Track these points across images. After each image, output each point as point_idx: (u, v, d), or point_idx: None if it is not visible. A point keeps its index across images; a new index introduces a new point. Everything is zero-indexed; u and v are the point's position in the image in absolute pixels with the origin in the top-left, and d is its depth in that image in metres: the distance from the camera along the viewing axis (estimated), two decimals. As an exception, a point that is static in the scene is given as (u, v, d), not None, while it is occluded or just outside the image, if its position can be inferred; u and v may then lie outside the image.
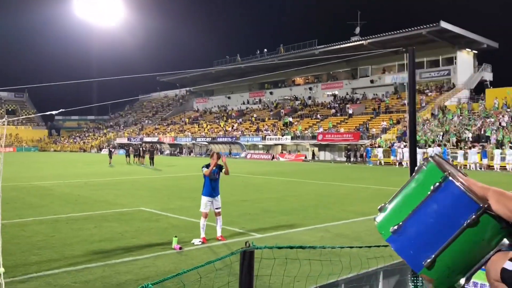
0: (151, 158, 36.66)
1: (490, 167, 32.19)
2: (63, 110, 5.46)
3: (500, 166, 31.40)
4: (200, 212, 9.44)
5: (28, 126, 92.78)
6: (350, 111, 52.40)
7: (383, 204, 1.53)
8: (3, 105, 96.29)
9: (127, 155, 42.67)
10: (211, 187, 9.43)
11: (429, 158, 1.52)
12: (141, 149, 42.22)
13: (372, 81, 57.50)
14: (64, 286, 6.46)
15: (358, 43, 53.70)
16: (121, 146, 72.18)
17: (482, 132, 36.83)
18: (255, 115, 64.72)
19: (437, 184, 1.39)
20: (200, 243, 9.06)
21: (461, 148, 34.41)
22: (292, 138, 50.73)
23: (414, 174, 1.54)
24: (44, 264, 7.48)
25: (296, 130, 52.29)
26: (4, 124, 6.15)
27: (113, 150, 46.62)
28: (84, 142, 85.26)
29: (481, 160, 32.37)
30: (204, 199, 9.41)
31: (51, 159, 50.27)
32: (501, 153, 31.80)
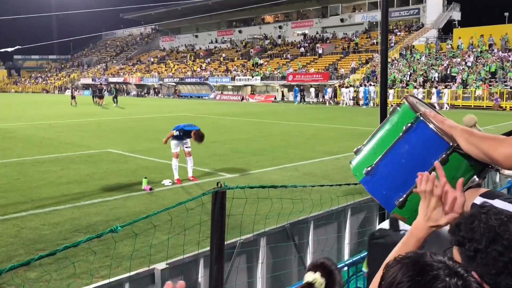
0: (115, 97, 38.22)
1: (455, 106, 33.04)
2: (20, 47, 5.14)
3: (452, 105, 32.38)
4: (171, 153, 9.37)
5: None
6: (320, 51, 52.02)
7: (359, 147, 1.53)
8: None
9: (94, 96, 41.58)
10: (180, 137, 9.25)
11: (404, 99, 1.52)
12: (97, 89, 41.46)
13: (342, 20, 56.79)
14: (32, 228, 6.40)
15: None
16: (86, 86, 70.05)
17: (449, 72, 37.42)
18: (224, 55, 63.47)
19: (409, 124, 1.39)
20: (171, 183, 9.07)
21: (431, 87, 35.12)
22: (261, 79, 50.31)
23: (388, 116, 1.53)
24: (11, 207, 7.36)
25: (266, 70, 51.78)
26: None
27: (76, 90, 45.14)
28: (46, 83, 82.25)
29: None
30: (174, 142, 9.30)
31: (12, 100, 48.49)
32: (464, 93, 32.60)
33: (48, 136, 16.62)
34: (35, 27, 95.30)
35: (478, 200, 1.35)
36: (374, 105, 34.42)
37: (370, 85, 37.12)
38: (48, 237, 6.03)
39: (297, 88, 43.07)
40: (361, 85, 38.62)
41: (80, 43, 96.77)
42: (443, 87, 34.32)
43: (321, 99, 43.07)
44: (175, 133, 9.14)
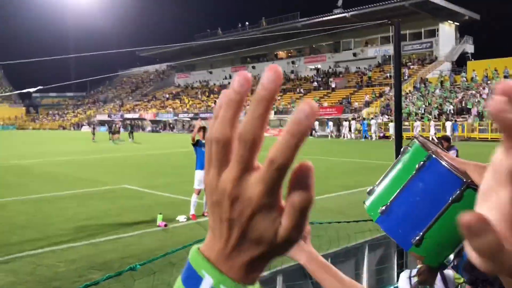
0: (131, 133, 39.91)
1: (471, 138, 32.71)
2: (41, 87, 5.29)
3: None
4: (193, 189, 9.25)
5: (5, 104, 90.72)
6: (333, 85, 52.41)
7: (371, 187, 1.55)
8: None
9: (110, 132, 42.47)
10: (204, 159, 9.33)
11: (414, 139, 1.54)
12: (114, 125, 43.11)
13: (355, 54, 57.40)
14: (49, 265, 6.39)
15: (341, 15, 53.34)
16: (102, 123, 71.22)
17: (464, 105, 37.28)
18: (237, 90, 64.19)
19: (422, 162, 1.40)
20: (186, 219, 9.03)
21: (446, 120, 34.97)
22: (275, 113, 50.67)
23: (399, 156, 1.55)
24: (27, 244, 7.38)
25: (279, 105, 52.19)
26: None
27: (95, 127, 46.47)
28: (63, 120, 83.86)
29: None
30: (199, 174, 9.21)
31: (30, 137, 49.42)
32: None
33: (65, 172, 16.81)
34: (54, 65, 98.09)
35: None
36: (376, 138, 35.03)
37: (372, 119, 38.18)
38: (64, 275, 6.01)
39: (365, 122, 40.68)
40: (372, 118, 38.73)
41: (97, 80, 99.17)
42: (455, 120, 34.10)
43: (335, 133, 43.10)
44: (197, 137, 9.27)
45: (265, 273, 3.77)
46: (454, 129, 32.72)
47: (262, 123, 0.43)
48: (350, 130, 39.03)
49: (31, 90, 5.20)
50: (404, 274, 3.40)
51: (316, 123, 43.02)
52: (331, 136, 40.74)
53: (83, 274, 6.04)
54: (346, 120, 39.55)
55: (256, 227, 0.41)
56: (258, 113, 0.43)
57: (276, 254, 0.42)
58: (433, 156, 1.35)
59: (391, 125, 34.48)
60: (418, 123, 34.57)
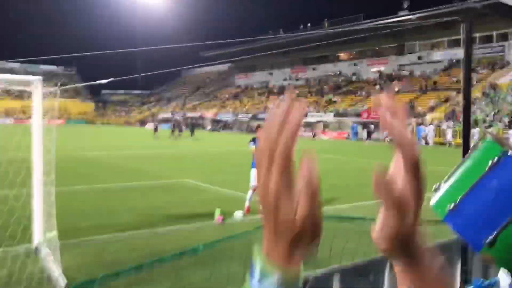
0: (192, 131, 42.35)
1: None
2: (113, 79, 5.57)
3: None
4: (250, 186, 9.47)
5: (76, 99, 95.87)
6: (396, 89, 51.00)
7: (438, 184, 1.48)
8: (54, 79, 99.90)
9: (173, 130, 43.91)
10: None
11: (487, 135, 1.46)
12: (176, 123, 45.58)
13: (419, 58, 55.52)
14: (112, 251, 6.71)
15: (406, 17, 51.77)
16: (164, 120, 73.52)
17: (537, 112, 35.04)
18: (297, 91, 64.18)
19: (496, 158, 1.32)
20: (242, 215, 9.15)
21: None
22: (334, 115, 50.04)
23: (470, 151, 1.48)
24: (94, 230, 7.78)
25: (340, 107, 51.51)
26: (57, 95, 6.35)
27: (157, 124, 48.15)
28: (129, 116, 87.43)
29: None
30: (254, 172, 9.39)
31: (98, 131, 51.97)
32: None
33: (130, 165, 17.54)
34: (123, 64, 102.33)
35: None
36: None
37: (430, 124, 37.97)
38: (125, 261, 6.27)
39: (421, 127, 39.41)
40: (438, 125, 37.36)
41: (162, 80, 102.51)
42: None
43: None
44: (251, 144, 9.47)
45: (322, 270, 3.74)
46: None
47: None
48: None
49: (103, 81, 5.49)
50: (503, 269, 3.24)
51: (372, 126, 42.10)
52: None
53: (143, 261, 6.27)
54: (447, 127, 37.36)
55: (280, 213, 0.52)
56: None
57: (307, 239, 0.52)
58: (509, 152, 1.29)
59: (449, 131, 33.19)
60: (476, 129, 32.83)
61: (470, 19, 4.94)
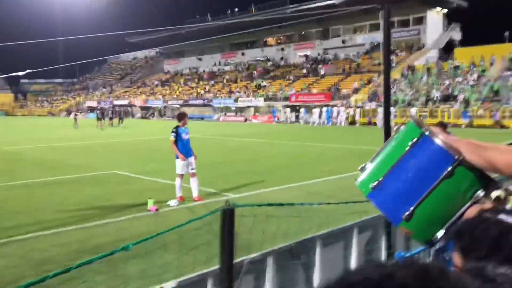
0: (121, 119, 41.44)
1: (457, 125, 33.09)
2: (30, 71, 5.28)
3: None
4: (176, 175, 9.46)
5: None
6: (322, 72, 52.45)
7: (363, 164, 1.59)
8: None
9: (99, 118, 42.33)
10: (185, 148, 9.45)
11: (408, 118, 1.58)
12: (103, 112, 44.34)
13: (343, 41, 57.40)
14: (41, 249, 6.44)
15: (329, 2, 53.13)
16: (91, 109, 70.64)
17: (451, 91, 37.60)
18: (227, 77, 64.05)
19: (415, 139, 1.44)
20: (177, 204, 9.12)
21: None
22: (265, 100, 50.64)
23: (393, 134, 1.60)
24: (19, 229, 7.41)
25: (269, 91, 52.16)
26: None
27: (77, 113, 46.44)
28: (52, 106, 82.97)
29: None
30: (181, 161, 9.40)
31: (19, 124, 48.89)
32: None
33: (55, 158, 16.75)
34: (42, 51, 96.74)
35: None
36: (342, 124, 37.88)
37: (337, 106, 41.21)
38: (56, 258, 6.07)
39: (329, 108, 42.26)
40: (358, 107, 39.21)
41: (86, 67, 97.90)
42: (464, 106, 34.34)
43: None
44: (173, 136, 9.35)
45: (255, 254, 3.86)
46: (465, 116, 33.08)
47: None
48: (320, 116, 41.34)
49: (20, 73, 5.17)
50: None
51: (303, 109, 43.25)
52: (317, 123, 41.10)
53: (74, 257, 6.09)
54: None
55: None
56: None
57: None
58: (426, 133, 1.42)
59: (392, 110, 34.86)
60: (413, 109, 34.91)
61: (387, 6, 5.20)
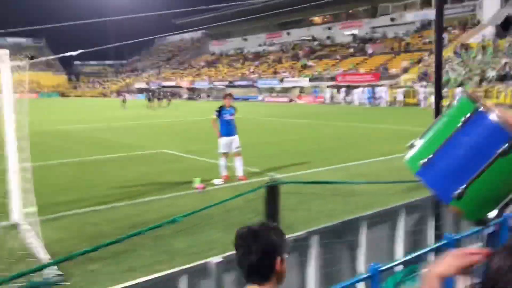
0: (169, 100, 43.46)
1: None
2: (82, 51, 5.45)
3: None
4: (218, 154, 9.59)
5: (48, 72, 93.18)
6: (370, 51, 51.10)
7: (412, 141, 1.52)
8: (22, 51, 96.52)
9: (149, 99, 43.52)
10: (226, 127, 9.54)
11: (462, 93, 1.50)
12: (152, 93, 46.18)
13: (392, 19, 55.50)
14: (93, 223, 6.74)
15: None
16: (140, 90, 72.48)
17: (508, 70, 35.71)
18: (272, 57, 63.69)
19: (468, 115, 1.37)
20: (222, 182, 9.24)
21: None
22: (310, 80, 50.04)
23: (445, 109, 1.52)
24: (73, 204, 7.77)
25: (315, 72, 51.48)
26: (26, 68, 6.19)
27: (124, 95, 47.57)
28: (104, 87, 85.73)
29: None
30: (222, 140, 9.53)
31: (72, 104, 50.91)
32: None
33: (106, 137, 17.37)
34: (94, 35, 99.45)
35: None
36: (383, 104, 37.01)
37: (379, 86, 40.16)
38: (108, 232, 6.32)
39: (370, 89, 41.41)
40: (411, 87, 37.92)
41: (134, 49, 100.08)
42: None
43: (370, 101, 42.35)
44: (215, 115, 9.58)
45: (300, 232, 3.85)
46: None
47: None
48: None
49: (73, 53, 5.35)
50: None
51: (356, 90, 42.37)
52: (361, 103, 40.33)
53: (125, 232, 6.30)
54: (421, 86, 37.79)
55: None
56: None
57: None
58: (481, 109, 1.34)
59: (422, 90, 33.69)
60: (459, 89, 33.43)
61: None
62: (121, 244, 5.46)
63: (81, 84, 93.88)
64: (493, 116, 1.34)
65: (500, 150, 1.27)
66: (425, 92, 34.96)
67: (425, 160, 1.43)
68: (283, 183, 2.79)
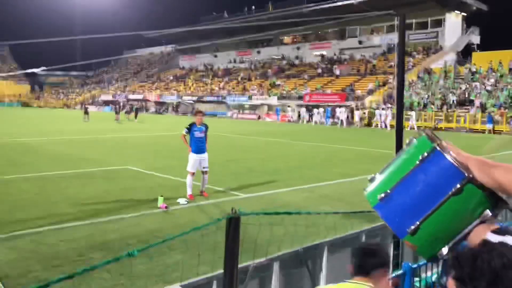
0: (135, 114, 42.80)
1: (473, 130, 32.65)
2: (45, 68, 5.32)
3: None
4: (187, 171, 9.53)
5: (10, 81, 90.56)
6: (337, 72, 52.15)
7: (373, 175, 1.56)
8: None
9: (116, 111, 42.76)
10: (197, 144, 9.53)
11: (421, 132, 1.55)
12: (119, 106, 46.04)
13: (360, 42, 56.98)
14: (50, 244, 6.51)
15: (347, 2, 52.78)
16: (106, 102, 71.33)
17: (467, 96, 37.11)
18: (242, 75, 64.06)
19: (425, 154, 1.42)
20: (186, 202, 9.15)
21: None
22: (278, 98, 50.55)
23: (405, 146, 1.57)
24: (30, 222, 7.50)
25: (283, 90, 52.05)
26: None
27: (87, 107, 46.07)
28: (68, 99, 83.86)
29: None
30: (192, 157, 9.50)
31: (34, 115, 49.51)
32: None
33: (69, 151, 16.93)
34: (59, 44, 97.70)
35: (490, 236, 1.37)
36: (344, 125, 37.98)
37: (340, 107, 41.13)
38: (64, 254, 6.13)
39: (329, 109, 42.46)
40: (377, 108, 38.74)
41: (102, 61, 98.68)
42: (495, 111, 33.34)
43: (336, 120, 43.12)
44: (185, 132, 9.59)
45: (261, 259, 3.85)
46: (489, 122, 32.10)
47: None
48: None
49: (36, 70, 5.23)
50: None
51: (316, 110, 43.04)
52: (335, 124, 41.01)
53: (83, 253, 6.15)
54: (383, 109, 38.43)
55: None
56: None
57: None
58: (438, 148, 1.39)
59: (413, 114, 34.40)
60: (412, 113, 34.51)
61: (403, 14, 5.16)
62: (78, 266, 5.31)
63: (45, 95, 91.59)
64: (449, 156, 1.39)
65: (454, 189, 1.32)
66: (381, 114, 36.08)
67: (383, 195, 1.47)
68: (244, 214, 2.78)
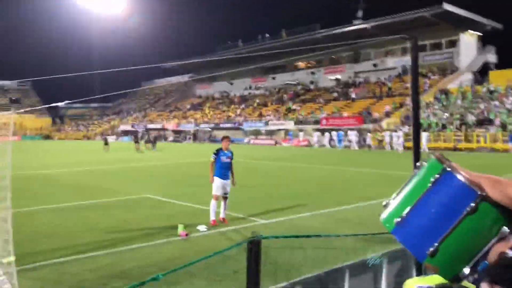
0: (154, 143, 43.24)
1: (494, 149, 32.13)
2: (68, 102, 5.51)
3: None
4: (212, 196, 9.59)
5: (32, 115, 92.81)
6: (353, 95, 52.21)
7: (387, 201, 1.59)
8: (6, 94, 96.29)
9: (136, 141, 43.35)
10: (223, 169, 9.64)
11: (431, 155, 1.59)
12: (142, 135, 46.38)
13: (375, 65, 57.14)
14: (73, 273, 6.57)
15: (360, 27, 53.30)
16: (126, 133, 72.42)
17: (486, 115, 36.69)
18: (257, 101, 64.58)
19: (437, 176, 1.44)
20: (206, 229, 9.16)
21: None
22: (295, 123, 50.67)
23: (415, 170, 1.60)
24: (52, 253, 7.59)
25: (300, 115, 52.21)
26: (12, 114, 6.20)
27: (106, 137, 46.86)
28: (88, 130, 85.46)
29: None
30: (217, 180, 9.58)
31: (55, 147, 50.47)
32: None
33: (89, 182, 17.17)
34: (79, 78, 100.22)
35: (510, 253, 1.37)
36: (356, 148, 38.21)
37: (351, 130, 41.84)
38: (88, 283, 6.18)
39: (341, 133, 43.31)
40: (395, 130, 38.50)
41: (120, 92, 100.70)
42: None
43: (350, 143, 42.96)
44: (212, 158, 9.66)
45: (284, 283, 3.83)
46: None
47: None
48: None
49: (59, 104, 5.43)
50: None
51: (334, 133, 42.96)
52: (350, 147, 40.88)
53: (106, 282, 6.20)
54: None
55: None
56: None
57: None
58: (448, 169, 1.42)
59: (392, 134, 34.44)
60: (425, 133, 34.21)
61: (415, 37, 5.20)
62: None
63: (65, 127, 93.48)
64: (460, 176, 1.41)
65: (468, 208, 1.33)
66: (391, 135, 35.95)
67: (399, 219, 1.49)
68: (265, 238, 2.81)
